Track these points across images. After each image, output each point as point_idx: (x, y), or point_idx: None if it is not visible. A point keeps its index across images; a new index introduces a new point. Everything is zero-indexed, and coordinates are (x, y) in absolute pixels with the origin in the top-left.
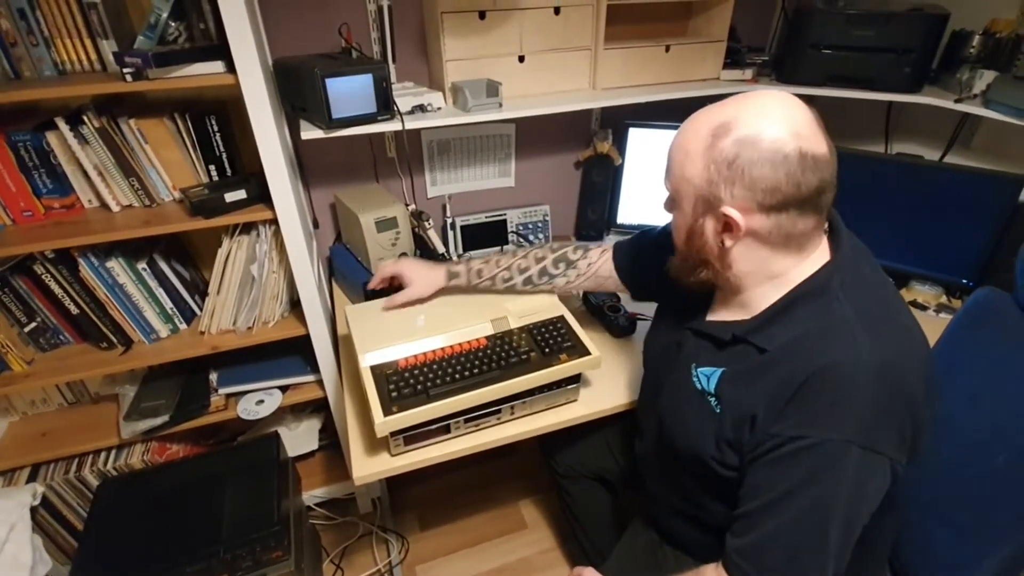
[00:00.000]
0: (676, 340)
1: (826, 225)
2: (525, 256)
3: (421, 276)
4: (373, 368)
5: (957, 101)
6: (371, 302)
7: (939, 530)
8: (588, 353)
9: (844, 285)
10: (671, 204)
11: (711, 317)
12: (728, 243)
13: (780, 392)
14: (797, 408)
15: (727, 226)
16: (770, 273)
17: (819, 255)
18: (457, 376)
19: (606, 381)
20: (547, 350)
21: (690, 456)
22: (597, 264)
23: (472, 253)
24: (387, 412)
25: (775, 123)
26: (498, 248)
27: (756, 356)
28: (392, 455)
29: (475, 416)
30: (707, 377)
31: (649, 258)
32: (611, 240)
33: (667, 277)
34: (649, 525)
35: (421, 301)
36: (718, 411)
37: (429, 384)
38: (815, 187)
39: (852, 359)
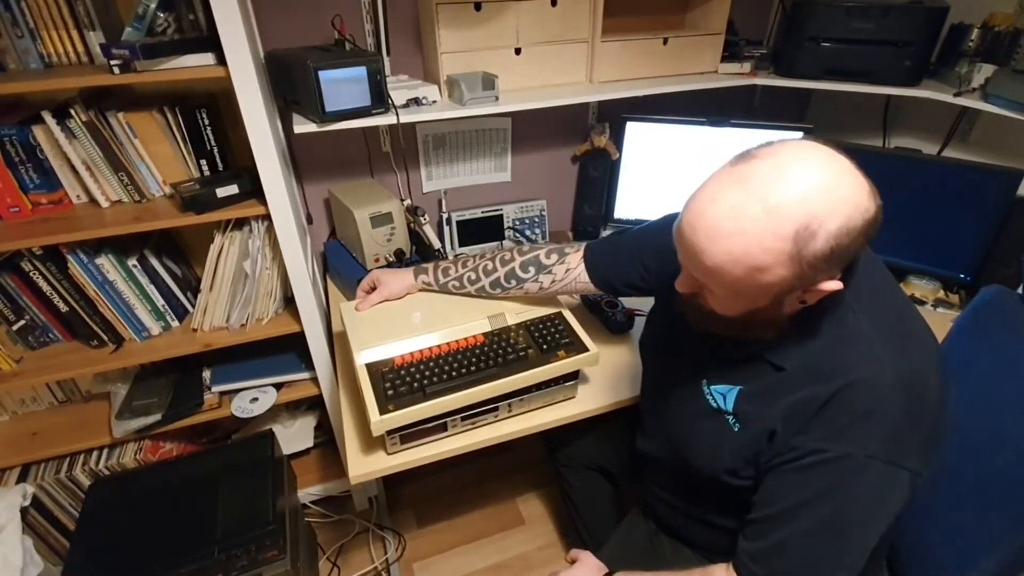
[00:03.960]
0: (677, 343)
1: None
2: (492, 258)
3: (390, 278)
4: (369, 366)
5: (956, 95)
6: None
7: (937, 531)
8: (586, 350)
9: (858, 297)
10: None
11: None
12: (809, 302)
13: (802, 408)
14: (822, 423)
15: (811, 291)
16: None
17: None
18: (454, 374)
19: (604, 378)
20: (545, 347)
21: (705, 473)
22: (576, 271)
23: (468, 249)
24: (383, 411)
25: (855, 197)
26: (496, 244)
27: (773, 373)
28: (388, 453)
29: (472, 414)
30: (723, 396)
31: (630, 266)
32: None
33: (656, 282)
34: (648, 517)
35: (396, 299)
36: (736, 429)
37: (425, 382)
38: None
39: (875, 375)
